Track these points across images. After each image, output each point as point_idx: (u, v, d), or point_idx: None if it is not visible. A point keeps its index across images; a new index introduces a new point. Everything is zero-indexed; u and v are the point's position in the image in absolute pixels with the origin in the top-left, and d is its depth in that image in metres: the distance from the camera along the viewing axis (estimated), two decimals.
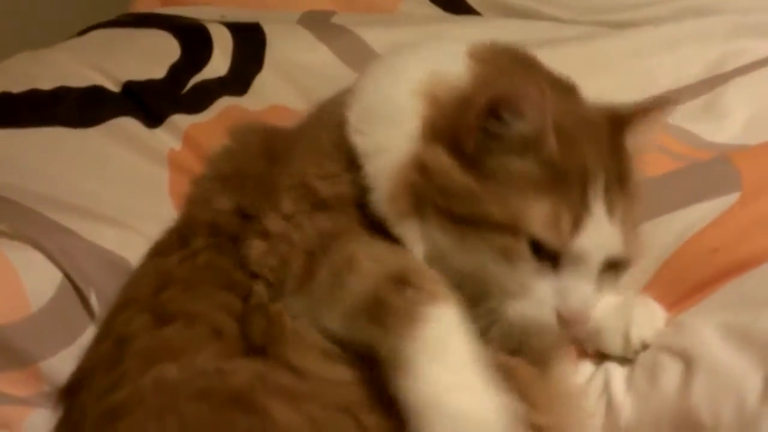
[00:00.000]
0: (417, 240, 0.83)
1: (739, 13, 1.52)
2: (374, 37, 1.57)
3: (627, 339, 0.94)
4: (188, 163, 1.34)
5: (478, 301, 0.80)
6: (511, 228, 0.78)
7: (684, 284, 0.95)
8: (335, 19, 1.69)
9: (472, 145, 0.79)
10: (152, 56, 1.53)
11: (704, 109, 1.30)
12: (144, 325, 0.84)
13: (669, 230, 1.01)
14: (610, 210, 0.79)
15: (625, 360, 0.95)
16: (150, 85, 1.45)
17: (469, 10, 1.80)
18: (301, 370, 0.76)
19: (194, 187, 1.03)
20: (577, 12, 1.73)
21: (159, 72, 1.49)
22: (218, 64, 1.52)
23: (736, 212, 0.98)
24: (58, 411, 0.93)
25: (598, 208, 0.78)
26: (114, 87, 1.45)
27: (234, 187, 0.93)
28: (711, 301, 0.92)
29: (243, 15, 1.72)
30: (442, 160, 0.81)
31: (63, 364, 1.00)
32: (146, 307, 0.86)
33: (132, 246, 1.15)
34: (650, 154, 1.19)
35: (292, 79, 1.49)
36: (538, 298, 0.79)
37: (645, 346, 0.93)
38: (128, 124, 1.37)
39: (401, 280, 0.75)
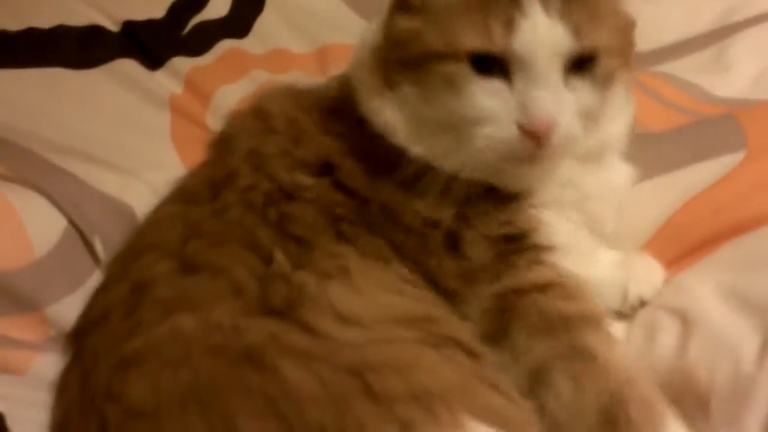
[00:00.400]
0: (396, 108, 0.86)
1: None
2: None
3: (625, 294, 0.94)
4: (190, 107, 1.33)
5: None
6: (451, 53, 0.80)
7: (684, 243, 0.96)
8: None
9: None
10: None
11: (711, 62, 1.29)
12: (167, 272, 0.83)
13: (671, 189, 1.01)
14: (548, 7, 0.78)
15: (622, 315, 0.95)
16: (150, 25, 1.44)
17: None
18: (316, 330, 0.77)
19: (232, 131, 0.98)
20: None
21: (158, 11, 1.47)
22: (219, 4, 1.50)
23: (740, 173, 0.98)
24: (66, 353, 0.92)
25: (532, 8, 0.78)
26: (113, 26, 1.43)
27: (287, 150, 0.91)
28: (711, 260, 0.92)
29: None
30: (395, 19, 0.86)
31: (68, 309, 1.00)
32: (171, 254, 0.85)
33: (135, 192, 1.16)
34: (657, 107, 1.21)
35: (294, 22, 1.47)
36: (497, 117, 0.80)
37: (642, 303, 0.94)
38: (128, 66, 1.36)
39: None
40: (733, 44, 1.30)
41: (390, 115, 0.87)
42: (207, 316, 0.77)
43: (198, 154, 1.19)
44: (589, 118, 0.84)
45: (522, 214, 0.87)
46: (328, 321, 0.78)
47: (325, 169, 0.90)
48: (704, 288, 0.88)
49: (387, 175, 0.88)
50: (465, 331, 0.84)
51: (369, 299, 0.82)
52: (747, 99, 1.20)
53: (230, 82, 1.38)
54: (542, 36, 0.78)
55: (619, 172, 0.95)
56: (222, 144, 0.98)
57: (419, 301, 0.85)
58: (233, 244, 0.85)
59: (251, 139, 0.94)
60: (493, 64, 0.80)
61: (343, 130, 0.91)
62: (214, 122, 1.33)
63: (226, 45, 1.44)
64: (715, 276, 0.88)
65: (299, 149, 0.91)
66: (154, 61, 1.39)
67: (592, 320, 0.82)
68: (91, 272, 1.06)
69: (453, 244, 0.86)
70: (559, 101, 0.79)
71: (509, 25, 0.78)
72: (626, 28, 0.88)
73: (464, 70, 0.80)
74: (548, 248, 0.87)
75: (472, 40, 0.79)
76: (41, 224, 1.06)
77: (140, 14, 1.45)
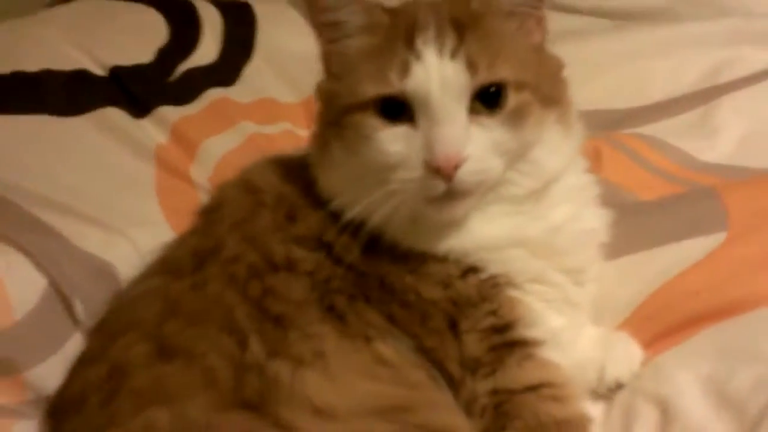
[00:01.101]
0: (331, 170, 0.89)
1: (742, 15, 1.49)
2: None
3: (602, 376, 0.95)
4: (175, 159, 1.32)
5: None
6: (357, 104, 0.84)
7: (663, 323, 0.96)
8: None
9: (323, 44, 0.89)
10: (139, 37, 1.50)
11: (697, 124, 1.30)
12: (144, 356, 0.84)
13: (652, 266, 1.02)
14: (441, 48, 0.82)
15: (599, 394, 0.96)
16: (137, 71, 1.42)
17: None
18: (291, 427, 0.77)
19: (220, 201, 0.99)
20: None
21: (146, 56, 1.46)
22: (207, 49, 1.49)
23: (721, 255, 0.98)
24: (44, 428, 0.92)
25: (425, 50, 0.82)
26: (100, 71, 1.42)
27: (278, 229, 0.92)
28: (690, 345, 0.92)
29: None
30: (322, 84, 0.92)
31: (48, 372, 0.99)
32: (149, 336, 0.85)
33: (117, 250, 1.14)
34: (641, 172, 1.22)
35: (282, 70, 1.47)
36: (406, 160, 0.82)
37: (619, 386, 0.94)
38: (115, 115, 1.35)
39: None
40: (719, 106, 1.31)
41: (327, 179, 0.90)
42: (181, 410, 0.77)
43: (182, 210, 1.19)
44: (511, 156, 0.85)
45: (505, 301, 0.88)
46: (303, 415, 0.78)
47: (321, 244, 0.90)
48: (684, 377, 0.88)
49: (380, 248, 0.89)
50: (445, 414, 0.85)
51: (344, 388, 0.82)
52: (732, 166, 1.21)
53: (217, 133, 1.38)
54: (434, 75, 0.81)
55: (590, 216, 0.96)
56: (210, 213, 0.98)
57: (397, 384, 0.86)
58: (210, 326, 0.85)
59: (240, 211, 0.94)
60: (398, 110, 0.83)
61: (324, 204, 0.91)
62: (199, 175, 1.33)
63: (213, 94, 1.43)
64: (696, 364, 0.89)
65: (292, 226, 0.91)
66: (140, 108, 1.37)
67: (581, 426, 0.86)
68: (71, 335, 1.04)
69: (453, 327, 0.88)
70: (462, 136, 0.81)
71: (404, 69, 0.82)
72: (548, 66, 0.90)
73: (371, 118, 0.84)
74: (536, 343, 0.88)
75: (372, 88, 0.83)
76: (22, 284, 1.05)
77: (128, 59, 1.43)
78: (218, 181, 1.28)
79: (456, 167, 0.81)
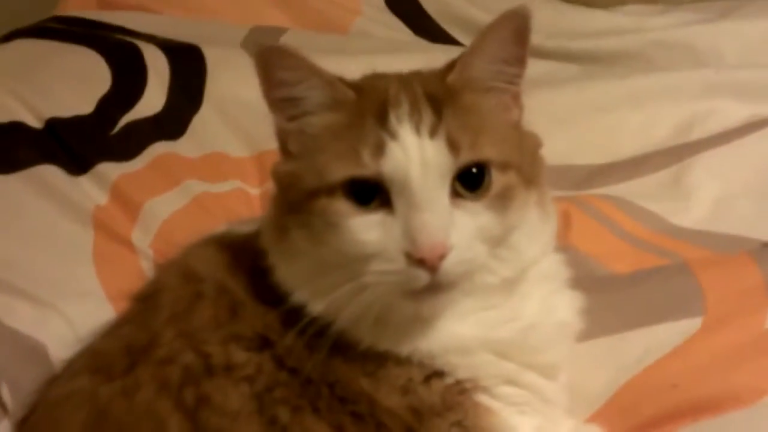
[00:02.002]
0: (290, 259, 0.81)
1: (715, 65, 1.44)
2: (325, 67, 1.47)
3: None
4: (115, 223, 1.24)
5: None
6: (324, 187, 0.76)
7: (639, 418, 0.89)
8: (284, 41, 1.58)
9: (279, 122, 0.81)
10: (80, 84, 1.41)
11: (669, 185, 1.24)
12: None
13: (626, 351, 0.95)
14: (418, 126, 0.75)
15: None
16: (76, 123, 1.34)
17: (441, 33, 1.74)
18: None
19: (158, 288, 0.89)
20: (544, 35, 1.65)
21: (86, 106, 1.37)
22: (153, 98, 1.41)
23: (698, 342, 0.92)
24: None
25: (401, 128, 0.75)
26: (36, 122, 1.33)
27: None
28: None
29: (183, 28, 1.59)
30: (279, 165, 0.83)
31: None
32: None
33: (49, 328, 1.07)
34: (611, 239, 1.15)
35: (234, 121, 1.38)
36: (384, 249, 0.75)
37: None
38: (50, 173, 1.26)
39: None
40: (692, 166, 1.25)
41: (286, 270, 0.81)
42: None
43: (121, 280, 1.12)
44: (494, 242, 0.78)
45: (472, 409, 0.80)
46: None
47: (264, 343, 0.82)
48: None
49: (334, 349, 0.80)
50: None
51: None
52: (706, 231, 1.15)
53: (161, 193, 1.29)
54: (414, 156, 0.74)
55: (564, 306, 0.88)
56: (146, 300, 0.89)
57: None
58: None
59: (178, 302, 0.85)
60: (371, 194, 0.75)
61: (274, 297, 0.83)
62: (141, 240, 1.24)
63: (158, 148, 1.34)
64: None
65: (234, 322, 0.83)
66: (79, 165, 1.29)
67: None
68: None
69: None
70: (446, 224, 0.74)
71: (378, 149, 0.74)
72: (527, 144, 0.83)
73: (340, 203, 0.76)
74: None
75: (342, 170, 0.75)
76: None
77: (66, 110, 1.34)
78: (160, 247, 1.23)
79: (441, 258, 0.73)
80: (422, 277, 0.73)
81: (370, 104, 0.78)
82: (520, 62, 0.80)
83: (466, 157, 0.75)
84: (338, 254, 0.77)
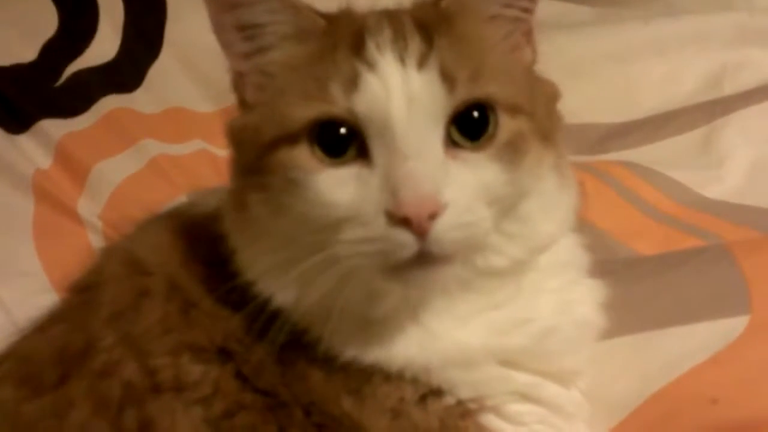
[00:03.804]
0: (251, 237, 0.66)
1: (746, 9, 1.28)
2: None
3: None
4: (59, 190, 1.09)
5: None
6: (286, 135, 0.61)
7: None
8: None
9: (233, 62, 0.65)
10: (22, 28, 1.24)
11: (698, 150, 1.10)
12: None
13: (656, 354, 0.80)
14: (404, 54, 0.60)
15: None
16: (17, 72, 1.18)
17: None
18: None
19: (99, 279, 0.74)
20: None
21: (29, 53, 1.21)
22: (104, 45, 1.25)
23: (743, 348, 0.77)
24: None
25: (381, 57, 0.61)
26: None
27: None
28: None
29: None
30: (234, 120, 0.68)
31: None
32: None
33: None
34: (633, 213, 1.01)
35: (197, 70, 1.22)
36: (360, 211, 0.59)
37: None
38: None
39: None
40: (725, 127, 1.10)
41: (246, 252, 0.66)
42: None
43: (64, 257, 0.98)
44: (502, 206, 0.62)
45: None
46: None
47: (224, 355, 0.67)
48: None
49: (309, 363, 0.66)
50: None
51: None
52: (742, 205, 1.01)
53: (112, 155, 1.14)
54: (396, 90, 0.59)
55: (584, 301, 0.72)
56: (85, 293, 0.74)
57: None
58: None
59: (121, 299, 0.70)
60: (345, 143, 0.60)
61: (240, 297, 0.67)
62: (89, 210, 1.09)
63: (109, 102, 1.18)
64: None
65: (186, 328, 0.68)
66: (18, 122, 1.13)
67: None
68: None
69: None
70: (439, 175, 0.58)
71: (351, 81, 0.60)
72: (543, 92, 0.67)
73: (304, 155, 0.60)
74: None
75: (307, 109, 0.60)
76: None
77: (4, 56, 1.18)
78: (111, 217, 1.07)
79: (432, 217, 0.57)
80: (408, 242, 0.57)
81: (345, 32, 0.63)
82: None
83: (465, 92, 0.59)
84: (303, 223, 0.61)
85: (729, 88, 1.17)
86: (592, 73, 1.23)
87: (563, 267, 0.72)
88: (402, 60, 0.60)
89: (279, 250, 0.64)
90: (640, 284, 0.88)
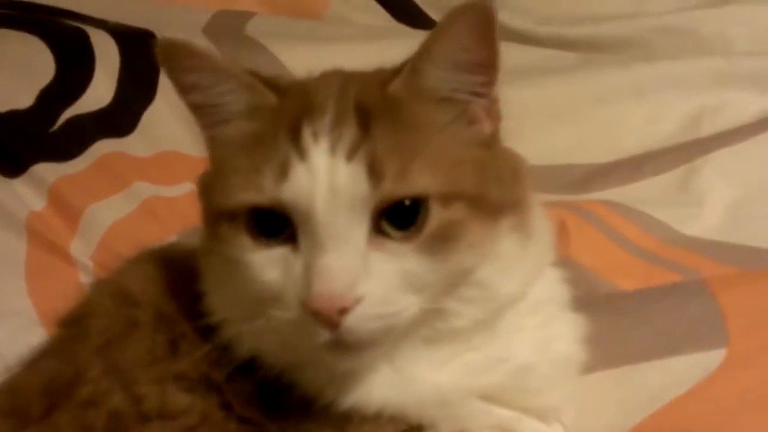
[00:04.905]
0: (215, 282, 0.69)
1: (724, 53, 1.31)
2: (292, 56, 1.33)
3: None
4: (52, 231, 1.10)
5: None
6: (228, 212, 0.64)
7: None
8: (250, 29, 1.44)
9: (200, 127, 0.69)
10: (19, 74, 1.26)
11: (678, 189, 1.11)
12: None
13: (635, 387, 0.81)
14: (335, 144, 0.61)
15: None
16: (12, 118, 1.19)
17: (422, 17, 1.62)
18: None
19: (87, 311, 0.76)
20: (535, 21, 1.53)
21: (25, 99, 1.22)
22: (100, 90, 1.26)
23: (721, 381, 0.78)
24: None
25: (313, 146, 0.61)
26: None
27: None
28: None
29: (139, 12, 1.45)
30: (203, 175, 0.72)
31: None
32: None
33: None
34: (616, 251, 1.02)
35: (190, 116, 1.23)
36: (282, 293, 0.62)
37: None
38: None
39: None
40: (703, 167, 1.12)
41: (212, 295, 0.69)
42: None
43: (56, 297, 0.97)
44: (431, 289, 0.62)
45: None
46: None
47: (210, 385, 0.68)
48: None
49: (291, 398, 0.67)
50: None
51: None
52: (721, 242, 1.02)
53: (105, 197, 1.15)
54: (321, 182, 0.60)
55: (564, 336, 0.74)
56: (74, 326, 0.76)
57: None
58: None
59: (109, 330, 0.72)
60: (278, 225, 0.62)
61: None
62: (82, 252, 1.10)
63: (103, 146, 1.19)
64: None
65: (173, 358, 0.69)
66: (12, 166, 1.14)
67: None
68: None
69: None
70: (355, 269, 0.59)
71: (282, 170, 0.61)
72: (501, 164, 0.67)
73: (242, 234, 0.63)
74: None
75: (243, 193, 0.62)
76: None
77: (3, 103, 1.20)
78: (102, 258, 1.08)
79: (342, 312, 0.58)
80: (320, 331, 0.59)
81: (289, 114, 0.64)
82: (487, 67, 0.64)
83: (390, 188, 0.60)
84: (246, 294, 0.64)
85: (707, 130, 1.19)
86: (575, 115, 1.25)
87: (543, 304, 0.72)
88: (333, 150, 0.61)
89: (236, 303, 0.66)
90: (620, 319, 0.88)
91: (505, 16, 1.55)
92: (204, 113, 0.67)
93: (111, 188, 1.16)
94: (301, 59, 1.28)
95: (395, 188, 0.59)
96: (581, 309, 0.77)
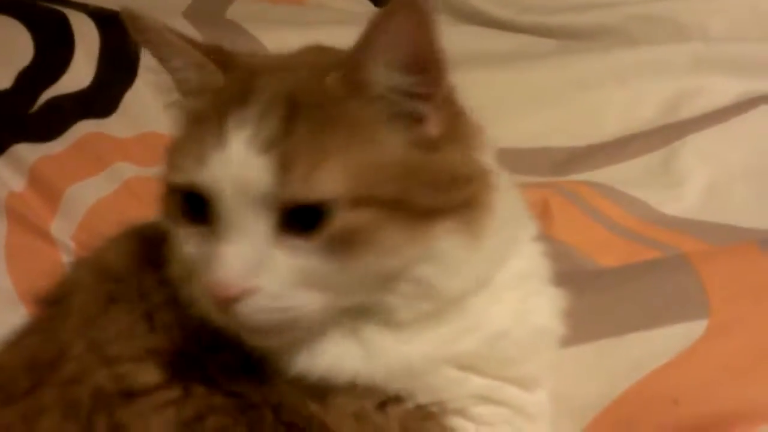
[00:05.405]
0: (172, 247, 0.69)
1: (701, 38, 1.33)
2: (273, 39, 1.33)
3: None
4: (32, 211, 1.08)
5: None
6: (168, 187, 0.65)
7: None
8: (231, 12, 1.44)
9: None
10: None
11: (658, 171, 1.13)
12: None
13: (620, 358, 0.83)
14: (254, 137, 0.60)
15: None
16: None
17: None
18: None
19: (69, 289, 0.75)
20: (516, 10, 1.55)
21: (4, 80, 1.20)
22: (79, 72, 1.25)
23: (703, 350, 0.80)
24: None
25: (233, 136, 0.60)
26: None
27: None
28: None
29: None
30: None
31: None
32: None
33: None
34: (598, 230, 1.03)
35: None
36: (197, 270, 0.63)
37: None
38: None
39: None
40: (682, 149, 1.14)
41: (173, 261, 0.69)
42: None
43: (36, 277, 0.96)
44: (338, 288, 0.62)
45: None
46: None
47: (190, 360, 0.67)
48: None
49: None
50: None
51: None
52: (700, 221, 1.04)
53: (85, 177, 1.14)
54: (234, 171, 0.60)
55: (542, 307, 0.73)
56: (56, 304, 0.75)
57: None
58: None
59: (90, 306, 0.71)
60: (203, 206, 0.62)
61: None
62: (63, 232, 1.09)
63: (83, 127, 1.18)
64: None
65: (153, 333, 0.68)
66: None
67: None
68: None
69: None
70: (251, 261, 0.59)
71: (202, 154, 0.61)
72: (440, 167, 0.64)
73: (175, 207, 0.65)
74: None
75: (174, 171, 0.64)
76: None
77: None
78: (84, 238, 1.07)
79: (234, 300, 0.59)
80: (223, 313, 0.60)
81: (227, 96, 0.64)
82: (426, 67, 0.62)
83: (294, 191, 0.58)
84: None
85: (685, 113, 1.21)
86: (557, 100, 1.26)
87: (523, 279, 0.72)
88: (250, 141, 0.60)
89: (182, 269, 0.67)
90: (603, 294, 0.90)
91: (486, 6, 1.57)
92: (175, 82, 0.67)
93: (92, 168, 1.15)
94: (283, 42, 1.28)
95: (299, 191, 0.58)
96: (564, 284, 0.77)
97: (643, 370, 0.81)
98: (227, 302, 0.59)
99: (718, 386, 0.78)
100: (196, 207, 0.62)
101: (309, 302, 0.61)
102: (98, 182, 1.14)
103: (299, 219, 0.59)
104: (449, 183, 0.64)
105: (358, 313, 0.64)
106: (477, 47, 1.34)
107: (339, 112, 0.61)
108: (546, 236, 0.83)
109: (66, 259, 1.05)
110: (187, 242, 0.63)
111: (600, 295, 0.89)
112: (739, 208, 1.05)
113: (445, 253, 0.63)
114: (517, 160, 1.16)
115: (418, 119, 0.63)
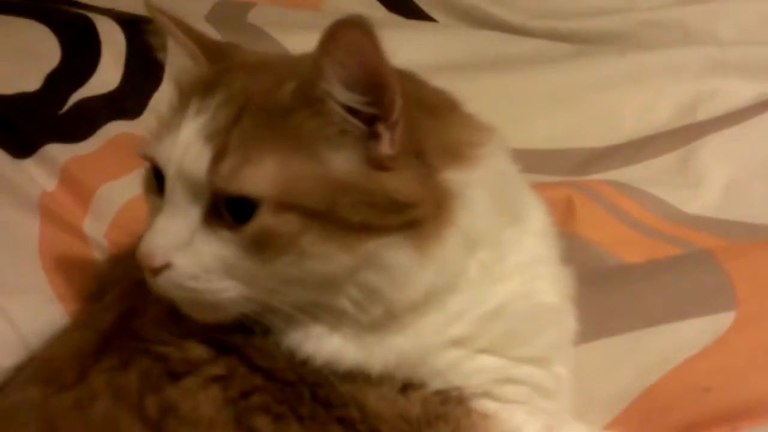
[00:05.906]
0: None
1: (712, 43, 1.36)
2: (295, 42, 1.35)
3: None
4: (65, 210, 1.09)
5: None
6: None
7: (667, 423, 0.79)
8: (252, 16, 1.46)
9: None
10: (25, 59, 1.25)
11: (677, 170, 1.15)
12: None
13: (648, 350, 0.85)
14: (205, 125, 0.64)
15: None
16: (21, 100, 1.18)
17: (415, 9, 1.63)
18: None
19: (105, 284, 0.80)
20: (528, 15, 1.57)
21: (33, 82, 1.22)
22: (107, 75, 1.27)
23: (732, 340, 0.83)
24: None
25: (186, 121, 0.66)
26: None
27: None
28: None
29: (142, 2, 1.46)
30: None
31: None
32: None
33: None
34: (620, 228, 1.06)
35: None
36: None
37: None
38: None
39: None
40: (700, 149, 1.16)
41: None
42: None
43: (71, 274, 0.99)
44: (262, 283, 0.65)
45: (464, 417, 0.69)
46: None
47: (226, 345, 0.69)
48: None
49: None
50: None
51: None
52: (722, 219, 1.06)
53: (116, 177, 1.14)
54: (178, 153, 0.65)
55: (547, 285, 0.74)
56: (94, 298, 0.79)
57: None
58: None
59: (126, 299, 0.74)
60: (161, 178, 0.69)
61: None
62: (95, 230, 1.10)
63: (113, 128, 1.20)
64: None
65: (188, 319, 0.70)
66: (23, 147, 1.13)
67: None
68: None
69: None
70: (173, 238, 0.65)
71: (161, 133, 0.68)
72: (378, 191, 0.64)
73: (147, 177, 0.72)
74: None
75: (146, 144, 0.70)
76: None
77: (10, 86, 1.19)
78: (116, 236, 1.09)
79: (156, 272, 0.65)
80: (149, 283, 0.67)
81: (200, 84, 0.69)
82: (374, 88, 0.62)
83: (221, 182, 0.62)
84: None
85: (702, 115, 1.24)
86: (575, 102, 1.29)
87: (524, 267, 0.73)
88: (200, 129, 0.64)
89: None
90: (628, 288, 0.92)
91: (499, 11, 1.59)
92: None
93: (122, 168, 1.15)
94: (305, 46, 1.30)
95: (225, 182, 0.62)
96: (590, 280, 0.79)
97: (673, 361, 0.83)
98: (151, 272, 0.65)
99: (749, 374, 0.80)
100: (160, 181, 0.68)
101: (226, 289, 0.65)
102: (129, 181, 1.14)
103: (232, 211, 0.63)
104: (388, 206, 0.64)
105: (322, 311, 0.66)
106: (496, 51, 1.37)
107: (285, 119, 0.64)
108: (569, 234, 0.85)
109: (99, 255, 1.07)
110: (150, 212, 0.70)
111: (628, 289, 0.92)
112: (759, 205, 1.08)
113: (390, 264, 0.65)
114: (537, 161, 1.19)
115: (375, 136, 0.64)
